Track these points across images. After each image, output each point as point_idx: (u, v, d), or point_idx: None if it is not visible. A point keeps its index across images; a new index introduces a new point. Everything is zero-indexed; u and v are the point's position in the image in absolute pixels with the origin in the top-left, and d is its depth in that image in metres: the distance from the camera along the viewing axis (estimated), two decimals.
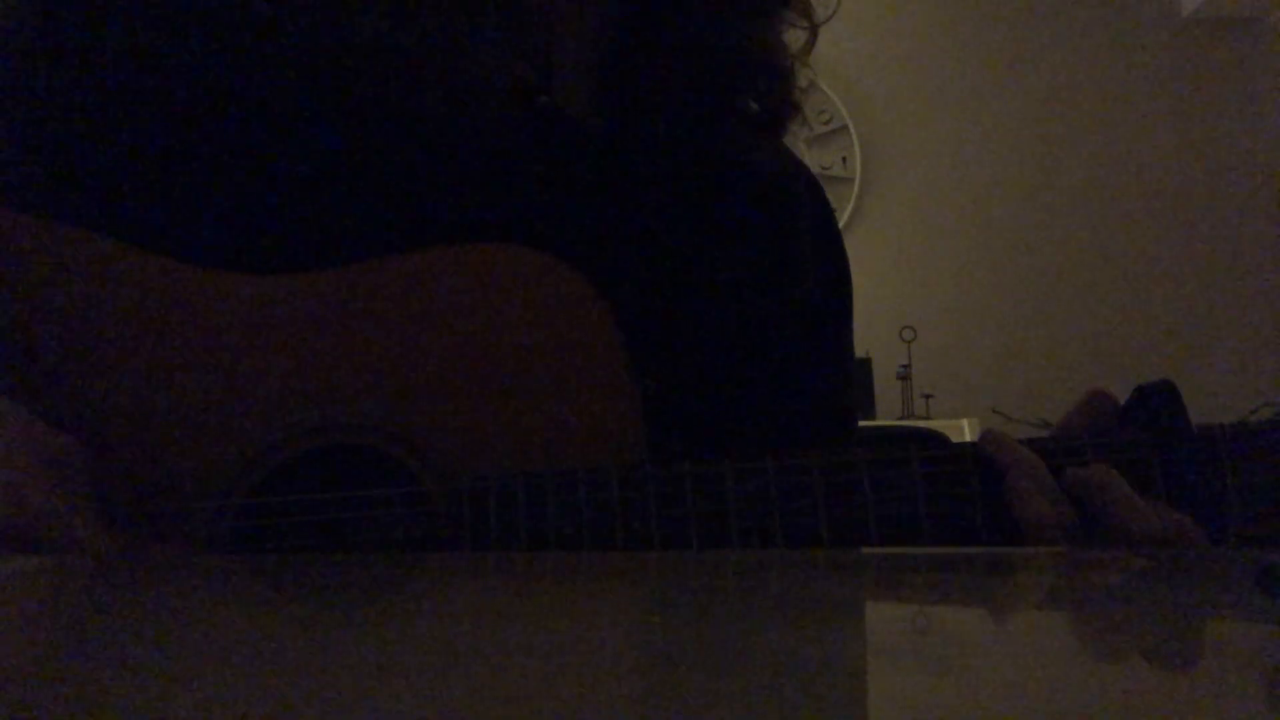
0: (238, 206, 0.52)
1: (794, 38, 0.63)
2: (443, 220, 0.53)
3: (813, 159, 3.31)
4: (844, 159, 3.41)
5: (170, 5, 0.54)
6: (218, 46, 0.54)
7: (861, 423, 0.71)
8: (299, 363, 0.48)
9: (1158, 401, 0.49)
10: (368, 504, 0.47)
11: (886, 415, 3.05)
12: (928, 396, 3.06)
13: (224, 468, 0.47)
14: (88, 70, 0.53)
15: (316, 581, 0.35)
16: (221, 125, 0.53)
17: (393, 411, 0.48)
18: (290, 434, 0.48)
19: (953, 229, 3.42)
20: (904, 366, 3.10)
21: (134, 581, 0.36)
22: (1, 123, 0.54)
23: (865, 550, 0.47)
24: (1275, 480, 0.48)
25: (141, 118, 0.53)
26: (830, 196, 0.74)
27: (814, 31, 0.63)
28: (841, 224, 0.69)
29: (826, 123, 3.37)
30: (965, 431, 2.70)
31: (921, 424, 2.78)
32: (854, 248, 0.73)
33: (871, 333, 3.01)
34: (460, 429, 0.48)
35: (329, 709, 0.15)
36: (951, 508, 0.48)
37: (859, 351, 0.77)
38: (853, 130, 3.42)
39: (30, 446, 0.43)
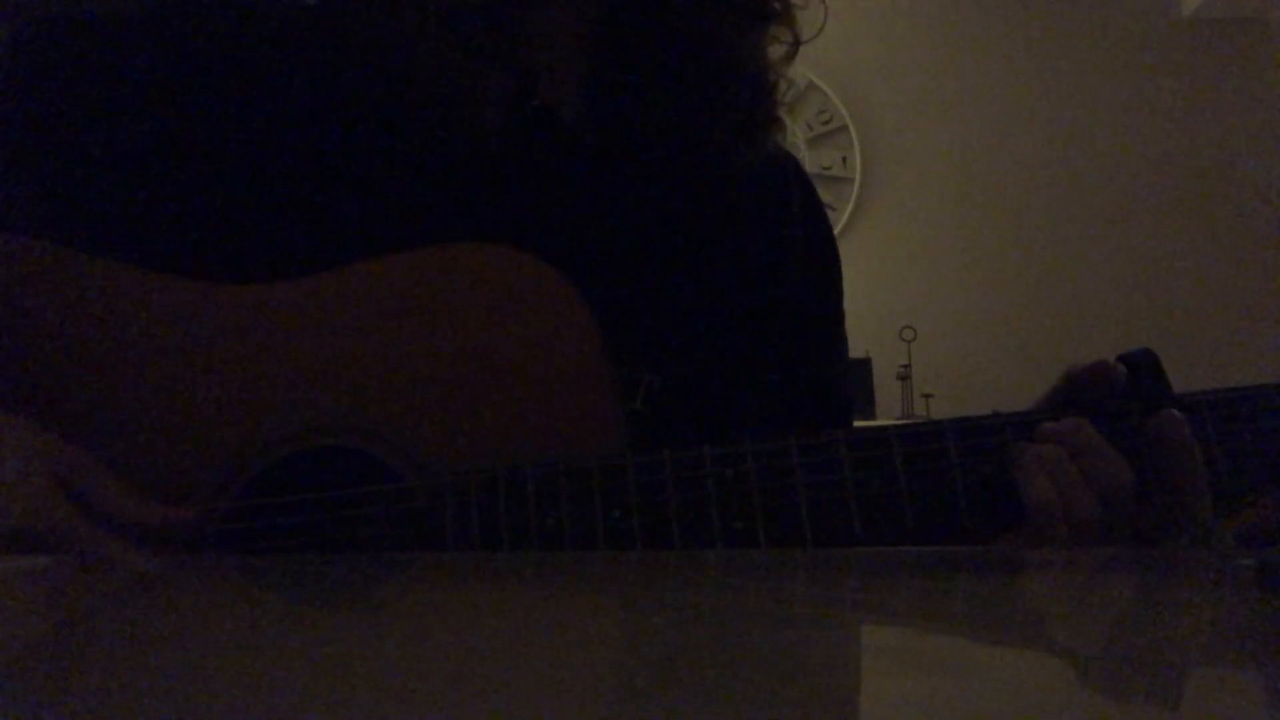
0: (222, 216, 0.52)
1: (774, 50, 0.63)
2: (428, 222, 0.54)
3: (813, 159, 3.30)
4: (844, 159, 3.41)
5: (159, 16, 0.55)
6: (204, 58, 0.54)
7: (862, 423, 0.71)
8: (285, 367, 0.48)
9: (1140, 369, 0.49)
10: (352, 503, 0.47)
11: (886, 415, 3.05)
12: (928, 396, 3.06)
13: (213, 471, 0.48)
14: (75, 86, 0.54)
15: (310, 583, 0.35)
16: (207, 136, 0.53)
17: (377, 412, 0.48)
18: (278, 437, 0.48)
19: (953, 229, 3.41)
20: (904, 366, 3.09)
21: (130, 582, 0.36)
22: None
23: (863, 550, 0.47)
24: (1257, 443, 0.48)
25: (127, 132, 0.53)
26: (830, 196, 0.74)
27: (795, 46, 0.64)
28: (841, 224, 0.68)
29: (826, 123, 3.37)
30: None
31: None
32: (854, 248, 0.73)
33: (871, 333, 3.00)
34: (443, 428, 0.48)
35: (326, 709, 0.15)
36: (932, 485, 0.47)
37: (859, 352, 0.77)
38: (853, 130, 3.41)
39: (45, 459, 0.43)
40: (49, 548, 0.41)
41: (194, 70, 0.54)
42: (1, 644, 0.22)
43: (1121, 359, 0.50)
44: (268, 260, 0.50)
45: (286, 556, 0.46)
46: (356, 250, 0.50)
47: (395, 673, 0.18)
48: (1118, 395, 0.49)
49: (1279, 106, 3.39)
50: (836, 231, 0.80)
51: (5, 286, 0.49)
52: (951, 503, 0.47)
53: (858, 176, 3.40)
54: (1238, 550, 0.48)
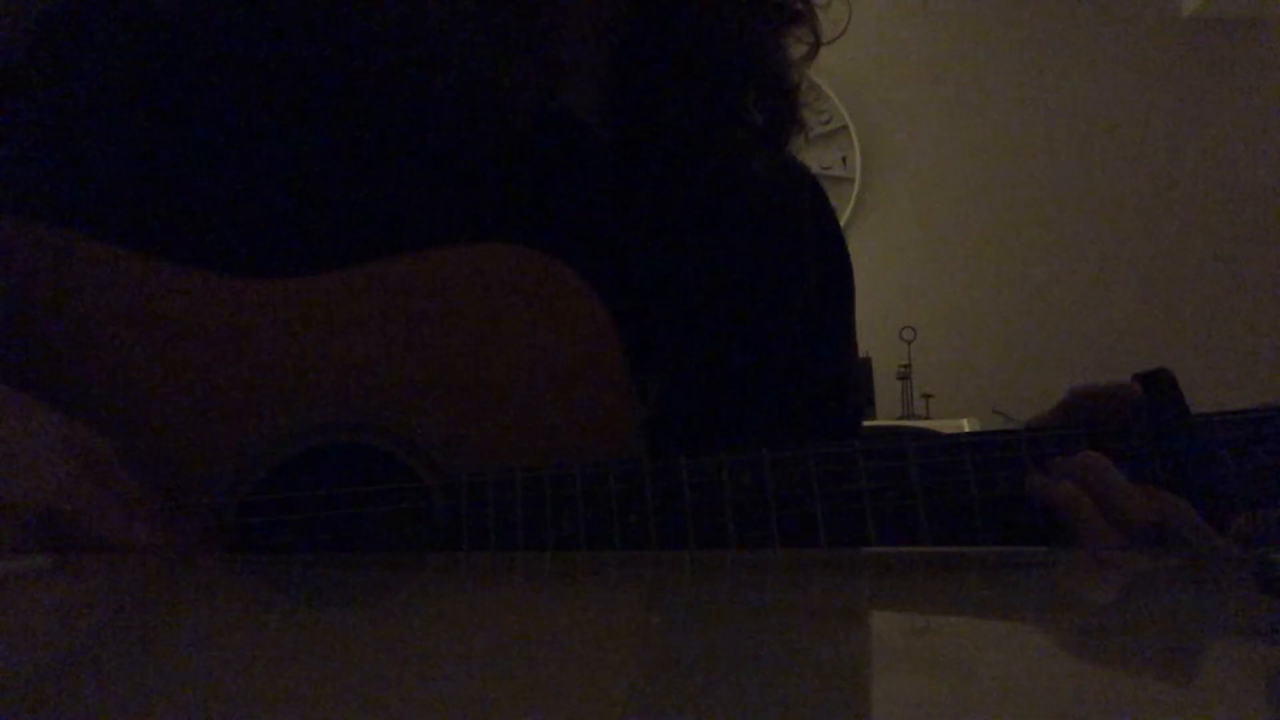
0: (242, 210, 0.52)
1: (795, 50, 0.63)
2: (448, 221, 0.53)
3: (813, 159, 3.27)
4: (844, 159, 3.41)
5: (177, 8, 0.55)
6: (224, 48, 0.54)
7: (864, 423, 0.72)
8: (303, 363, 0.48)
9: (1155, 389, 0.49)
10: (368, 500, 0.47)
11: (886, 415, 3.04)
12: (928, 396, 3.06)
13: (228, 466, 0.48)
14: (91, 74, 0.53)
15: (317, 583, 0.35)
16: (226, 129, 0.53)
17: (394, 410, 0.48)
18: (293, 432, 0.48)
19: (953, 229, 3.41)
20: (904, 366, 3.09)
21: (137, 581, 0.36)
22: (5, 130, 0.54)
23: (867, 551, 0.47)
24: (1272, 467, 0.48)
25: (146, 122, 0.53)
26: (830, 196, 0.74)
27: (815, 46, 0.63)
28: (841, 224, 0.69)
29: (826, 123, 3.36)
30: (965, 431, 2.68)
31: (921, 424, 2.78)
32: (854, 248, 0.73)
33: (871, 333, 2.99)
34: (460, 427, 0.48)
35: (337, 710, 0.15)
36: (947, 501, 0.47)
37: (859, 351, 0.77)
38: (853, 130, 3.41)
39: (72, 443, 0.43)
40: (78, 529, 0.41)
41: (215, 56, 0.53)
42: (4, 645, 0.23)
43: (1137, 378, 0.50)
44: (286, 255, 0.50)
45: (299, 556, 0.46)
46: (375, 248, 0.50)
47: (408, 673, 0.18)
48: (1135, 415, 0.49)
49: (1279, 106, 3.39)
50: None
51: (20, 272, 0.49)
52: (967, 520, 0.47)
53: (858, 176, 3.40)
54: (1238, 550, 0.48)
